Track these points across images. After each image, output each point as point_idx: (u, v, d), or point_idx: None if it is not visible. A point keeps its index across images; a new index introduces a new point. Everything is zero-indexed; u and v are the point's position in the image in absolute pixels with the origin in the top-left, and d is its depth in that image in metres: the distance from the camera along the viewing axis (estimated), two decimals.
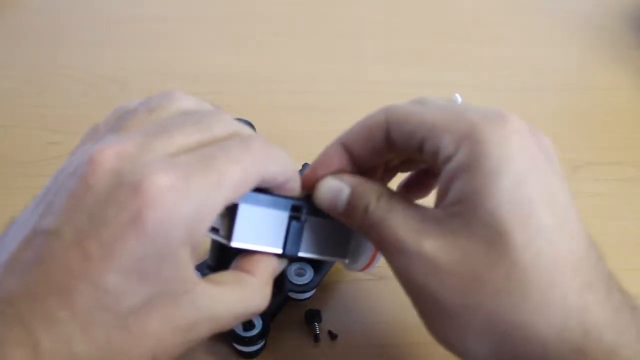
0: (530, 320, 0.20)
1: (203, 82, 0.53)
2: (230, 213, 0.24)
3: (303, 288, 0.33)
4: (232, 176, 0.21)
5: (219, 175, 0.20)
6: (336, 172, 0.26)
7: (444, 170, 0.22)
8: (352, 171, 0.26)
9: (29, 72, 0.53)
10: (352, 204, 0.25)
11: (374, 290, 0.37)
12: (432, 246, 0.22)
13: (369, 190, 0.25)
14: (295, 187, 0.25)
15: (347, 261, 0.29)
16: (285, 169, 0.24)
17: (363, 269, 0.29)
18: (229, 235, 0.24)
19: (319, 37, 0.60)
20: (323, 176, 0.26)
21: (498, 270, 0.21)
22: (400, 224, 0.23)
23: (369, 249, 0.28)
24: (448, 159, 0.22)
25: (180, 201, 0.19)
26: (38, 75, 0.53)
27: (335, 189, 0.25)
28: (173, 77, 0.53)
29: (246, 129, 0.23)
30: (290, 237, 0.25)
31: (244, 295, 0.23)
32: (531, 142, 0.22)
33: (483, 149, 0.21)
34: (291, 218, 0.25)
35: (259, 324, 0.32)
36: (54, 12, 0.62)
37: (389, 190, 0.25)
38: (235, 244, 0.24)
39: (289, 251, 0.25)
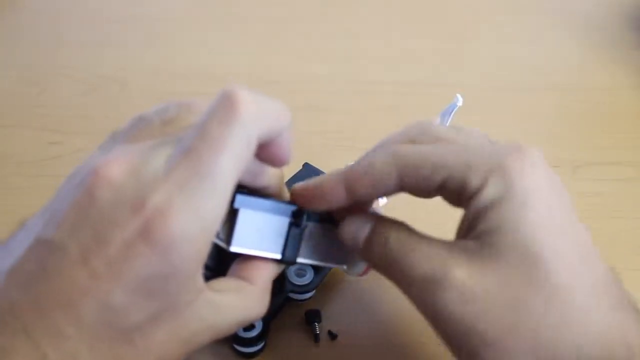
0: (576, 341, 0.21)
1: (203, 82, 0.53)
2: (230, 217, 0.24)
3: (303, 289, 0.33)
4: (224, 169, 0.20)
5: (211, 179, 0.20)
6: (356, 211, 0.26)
7: (473, 204, 0.22)
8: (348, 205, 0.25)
9: (29, 72, 0.53)
10: (371, 238, 0.25)
11: (374, 290, 0.37)
12: (463, 274, 0.22)
13: (388, 224, 0.25)
14: (285, 148, 0.23)
15: (345, 267, 0.29)
16: (274, 125, 0.22)
17: (361, 275, 0.29)
18: (228, 240, 0.24)
19: (319, 37, 0.60)
20: (314, 205, 0.25)
21: (538, 295, 0.21)
22: (424, 254, 0.23)
23: None
24: (475, 193, 0.22)
25: (182, 219, 0.19)
26: (38, 75, 0.53)
27: (357, 223, 0.25)
28: (173, 77, 0.53)
29: (220, 95, 0.21)
30: (290, 243, 0.25)
31: (243, 304, 0.23)
32: (548, 173, 0.23)
33: (512, 181, 0.22)
34: (291, 224, 0.25)
35: (258, 324, 0.32)
36: (54, 12, 0.62)
37: (408, 226, 0.25)
38: (234, 248, 0.24)
39: (287, 257, 0.25)
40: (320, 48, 0.59)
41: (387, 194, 0.25)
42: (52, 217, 0.20)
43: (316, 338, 0.34)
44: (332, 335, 0.34)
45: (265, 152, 0.23)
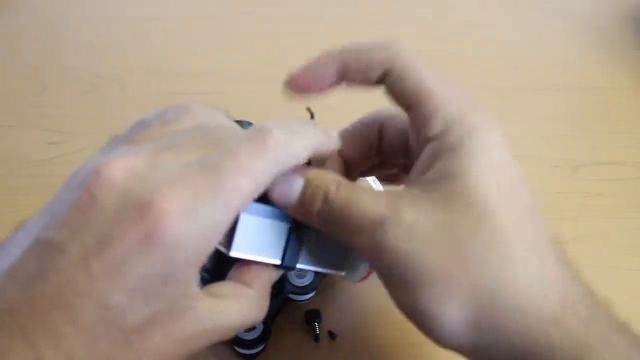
0: (512, 289, 0.21)
1: (203, 82, 0.53)
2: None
3: (303, 290, 0.33)
4: (241, 191, 0.20)
5: (227, 194, 0.20)
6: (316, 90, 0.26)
7: (428, 147, 0.23)
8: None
9: (29, 72, 0.53)
10: (308, 193, 0.24)
11: (374, 290, 0.37)
12: (412, 214, 0.22)
13: (327, 177, 0.24)
14: (298, 176, 0.24)
15: (344, 273, 0.29)
16: (297, 163, 0.23)
17: (360, 281, 0.29)
18: (228, 245, 0.24)
19: (319, 37, 0.60)
20: (306, 86, 0.26)
21: (481, 242, 0.22)
22: (371, 199, 0.23)
23: (366, 262, 0.28)
24: (434, 137, 0.23)
25: (189, 224, 0.19)
26: (38, 75, 0.53)
27: (288, 181, 0.24)
28: (173, 77, 0.53)
29: (255, 128, 0.22)
30: (289, 249, 0.25)
31: (242, 308, 0.23)
32: (504, 137, 0.24)
33: (471, 133, 0.23)
34: (291, 229, 0.25)
35: (259, 326, 0.32)
36: (54, 12, 0.62)
37: (344, 179, 0.25)
38: (234, 253, 0.24)
39: (287, 263, 0.25)
40: (320, 48, 0.59)
41: (370, 84, 0.25)
42: (53, 218, 0.20)
43: (316, 338, 0.34)
44: (332, 335, 0.34)
45: None
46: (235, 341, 0.32)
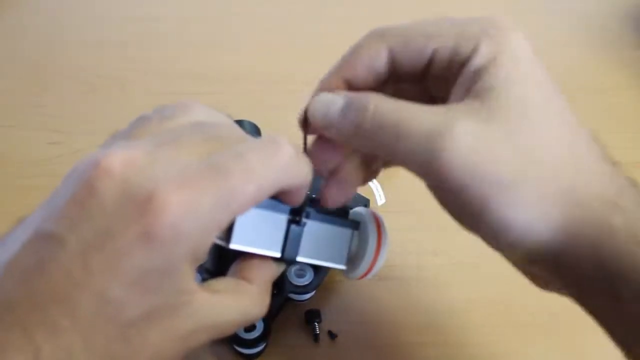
0: (583, 180, 0.22)
1: (203, 82, 0.53)
2: None
3: (303, 289, 0.33)
4: (245, 195, 0.20)
5: (231, 194, 0.20)
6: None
7: (467, 67, 0.24)
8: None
9: (29, 72, 0.53)
10: (350, 107, 0.24)
11: (374, 290, 0.37)
12: (470, 125, 0.22)
13: (367, 94, 0.24)
14: (300, 198, 0.25)
15: (345, 268, 0.29)
16: (300, 183, 0.23)
17: (360, 277, 0.29)
18: (227, 237, 0.24)
19: (320, 37, 0.60)
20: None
21: (542, 143, 0.22)
22: (421, 114, 0.22)
23: (367, 256, 0.28)
24: (469, 57, 0.23)
25: (189, 219, 0.19)
26: (38, 75, 0.53)
27: (328, 100, 0.25)
28: (173, 77, 0.54)
29: (267, 139, 0.22)
30: (289, 241, 0.25)
31: (242, 303, 0.23)
32: (525, 36, 0.25)
33: (502, 43, 0.23)
34: (290, 222, 0.25)
35: (260, 325, 0.32)
36: (54, 12, 0.62)
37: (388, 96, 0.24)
38: (234, 246, 0.24)
39: (287, 255, 0.25)
40: (320, 48, 0.59)
41: (380, 76, 0.26)
42: (52, 211, 0.20)
43: (316, 338, 0.34)
44: (332, 335, 0.34)
45: (280, 193, 0.24)
46: (235, 340, 0.32)
